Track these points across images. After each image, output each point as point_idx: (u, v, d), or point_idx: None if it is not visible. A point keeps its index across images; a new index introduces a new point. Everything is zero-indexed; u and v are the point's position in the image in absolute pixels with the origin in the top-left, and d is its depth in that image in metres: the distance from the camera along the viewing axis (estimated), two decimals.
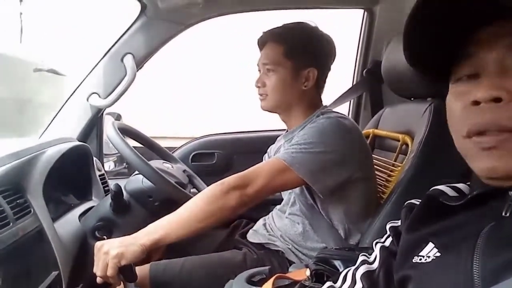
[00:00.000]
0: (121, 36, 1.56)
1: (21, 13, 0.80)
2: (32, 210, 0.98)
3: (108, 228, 1.18)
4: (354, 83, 1.92)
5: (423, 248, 0.57)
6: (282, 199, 1.32)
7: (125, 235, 0.97)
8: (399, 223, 0.68)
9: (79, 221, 1.21)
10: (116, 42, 1.55)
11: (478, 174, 0.53)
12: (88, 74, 1.57)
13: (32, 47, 2.49)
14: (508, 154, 0.47)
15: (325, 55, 1.24)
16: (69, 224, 1.17)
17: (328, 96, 1.39)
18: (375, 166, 1.35)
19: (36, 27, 2.70)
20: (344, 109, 1.96)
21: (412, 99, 1.39)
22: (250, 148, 1.85)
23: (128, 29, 1.55)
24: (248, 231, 1.36)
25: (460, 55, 0.54)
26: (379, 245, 0.68)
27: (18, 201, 0.95)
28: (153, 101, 4.01)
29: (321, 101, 1.29)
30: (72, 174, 1.30)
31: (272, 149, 1.39)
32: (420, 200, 0.67)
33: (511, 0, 0.46)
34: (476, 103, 0.49)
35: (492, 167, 0.49)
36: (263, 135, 1.98)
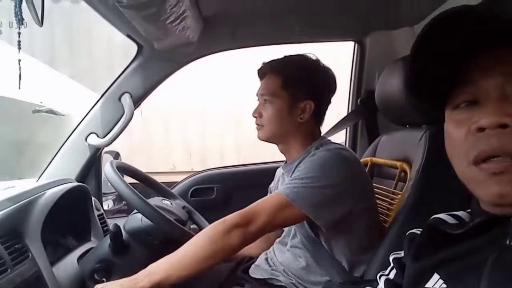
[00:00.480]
0: (119, 76, 1.59)
1: (19, 60, 0.82)
2: (30, 255, 0.97)
3: (107, 270, 1.16)
4: (349, 111, 1.95)
5: (429, 280, 0.56)
6: (283, 231, 1.31)
7: (124, 277, 0.95)
8: (402, 254, 0.67)
9: (78, 263, 1.18)
10: (114, 82, 1.59)
11: (485, 200, 0.52)
12: (87, 114, 1.59)
13: (31, 89, 2.53)
14: None
15: (323, 88, 1.24)
16: (67, 267, 1.15)
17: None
18: (376, 195, 1.34)
19: (35, 68, 2.75)
20: (341, 137, 1.98)
21: (407, 126, 1.40)
22: (250, 182, 1.84)
23: (126, 69, 1.59)
24: (250, 266, 1.33)
25: (457, 82, 0.54)
26: (383, 278, 0.67)
27: (16, 246, 0.94)
28: (150, 135, 4.04)
29: (320, 133, 1.29)
30: (70, 216, 1.29)
31: (272, 184, 1.39)
32: (421, 230, 0.67)
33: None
34: (481, 129, 0.49)
35: (502, 193, 0.48)
36: (262, 167, 1.98)
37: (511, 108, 0.48)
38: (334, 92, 1.27)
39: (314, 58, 1.26)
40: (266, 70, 1.26)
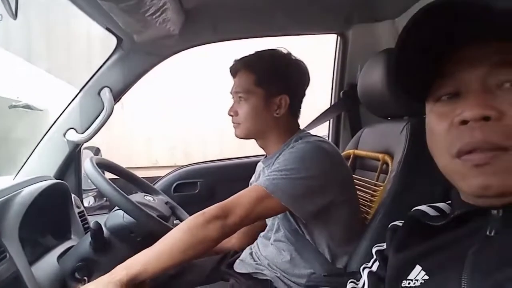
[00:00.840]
0: (98, 70, 1.55)
1: None
2: (7, 255, 0.94)
3: (88, 268, 1.13)
4: (332, 104, 1.95)
5: (411, 272, 0.57)
6: (266, 225, 1.31)
7: None
8: (384, 246, 0.68)
9: (58, 262, 1.16)
10: (93, 76, 1.55)
11: (469, 192, 0.52)
12: (65, 109, 1.55)
13: (7, 84, 2.46)
14: (501, 170, 0.47)
15: (296, 82, 1.25)
16: (47, 266, 1.12)
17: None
18: (358, 187, 1.36)
19: (11, 62, 2.67)
20: (324, 130, 1.99)
21: (389, 118, 1.42)
22: (233, 176, 1.84)
23: (105, 62, 1.55)
24: (235, 261, 1.33)
25: (439, 74, 0.54)
26: (366, 271, 0.68)
27: None
28: (132, 130, 3.98)
29: (298, 125, 1.29)
30: (49, 214, 1.26)
31: (253, 178, 1.39)
32: (403, 222, 0.67)
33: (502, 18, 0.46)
34: (464, 122, 0.49)
35: (486, 184, 0.48)
36: (245, 161, 1.97)
37: (494, 100, 0.48)
38: (307, 85, 1.28)
39: (285, 52, 1.26)
40: (239, 67, 1.25)
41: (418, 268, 0.56)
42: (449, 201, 0.61)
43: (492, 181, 0.48)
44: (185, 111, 4.07)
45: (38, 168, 1.49)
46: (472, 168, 0.49)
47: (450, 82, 0.52)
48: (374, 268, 0.67)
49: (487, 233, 0.51)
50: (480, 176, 0.48)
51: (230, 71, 1.28)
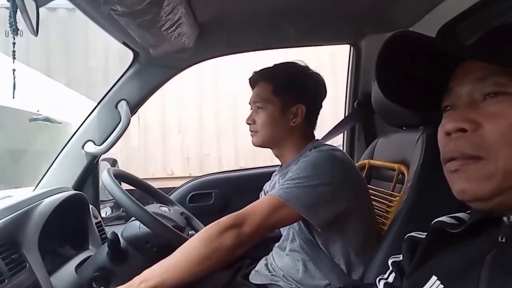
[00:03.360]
0: (115, 83, 1.59)
1: (14, 70, 0.82)
2: (27, 265, 0.96)
3: (105, 278, 1.15)
4: (346, 115, 1.95)
5: (426, 282, 0.56)
6: (281, 235, 1.31)
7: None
8: (401, 257, 0.68)
9: (76, 272, 1.17)
10: (110, 89, 1.58)
11: (457, 198, 0.55)
12: (83, 121, 1.59)
13: (28, 98, 2.53)
14: (472, 177, 0.51)
15: (312, 92, 1.28)
16: (65, 276, 1.14)
17: None
18: (373, 197, 1.35)
19: (32, 77, 2.75)
20: (338, 141, 1.98)
21: (404, 128, 1.41)
22: (247, 186, 1.83)
23: (122, 76, 1.59)
24: (250, 271, 1.33)
25: (444, 90, 0.58)
26: (382, 282, 0.67)
27: (13, 257, 0.93)
28: (147, 141, 4.03)
29: (313, 135, 1.31)
30: (68, 224, 1.29)
31: (267, 185, 1.39)
32: (420, 233, 0.67)
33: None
34: (448, 133, 0.54)
35: (461, 189, 0.52)
36: (260, 171, 1.98)
37: (474, 113, 0.52)
38: (324, 96, 1.31)
39: (303, 64, 1.30)
40: (257, 79, 1.29)
41: (433, 278, 0.55)
42: (469, 211, 0.61)
43: (466, 186, 0.51)
44: (200, 122, 4.11)
45: (58, 179, 1.52)
46: (451, 174, 0.54)
47: (449, 96, 0.57)
48: (390, 279, 0.67)
49: (499, 239, 0.51)
50: (457, 181, 0.53)
51: (250, 82, 1.32)
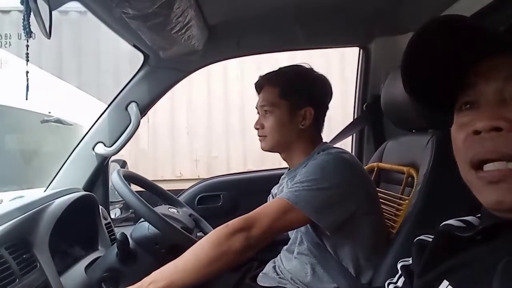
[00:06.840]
0: (126, 86, 1.61)
1: (27, 72, 0.83)
2: (38, 265, 0.97)
3: (114, 279, 1.16)
4: (355, 117, 1.94)
5: (438, 287, 0.55)
6: (290, 238, 1.30)
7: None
8: (410, 261, 0.67)
9: (85, 273, 1.19)
10: (120, 92, 1.60)
11: (485, 206, 0.52)
12: (94, 123, 1.60)
13: (40, 99, 2.57)
14: None
15: (320, 94, 1.28)
16: (75, 276, 1.15)
17: None
18: (382, 200, 1.34)
19: (44, 79, 2.79)
20: (347, 144, 1.97)
21: (413, 131, 1.40)
22: (256, 188, 1.83)
23: (132, 78, 1.61)
24: (258, 274, 1.33)
25: (461, 85, 0.55)
26: (391, 286, 0.66)
27: (24, 256, 0.94)
28: (157, 143, 4.06)
29: (321, 138, 1.30)
30: (78, 225, 1.30)
31: (275, 188, 1.39)
32: (430, 236, 0.66)
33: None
34: (477, 132, 0.50)
35: (499, 200, 0.49)
36: (268, 174, 1.98)
37: (508, 111, 0.49)
38: (330, 98, 1.31)
39: (308, 67, 1.30)
40: (263, 83, 1.29)
41: (445, 283, 0.54)
42: (479, 215, 0.60)
43: (506, 197, 0.48)
44: (208, 125, 4.13)
45: (68, 180, 1.54)
46: (487, 184, 0.50)
47: (470, 93, 0.54)
48: (400, 283, 0.66)
49: None
50: (495, 193, 0.49)
51: (256, 87, 1.32)
